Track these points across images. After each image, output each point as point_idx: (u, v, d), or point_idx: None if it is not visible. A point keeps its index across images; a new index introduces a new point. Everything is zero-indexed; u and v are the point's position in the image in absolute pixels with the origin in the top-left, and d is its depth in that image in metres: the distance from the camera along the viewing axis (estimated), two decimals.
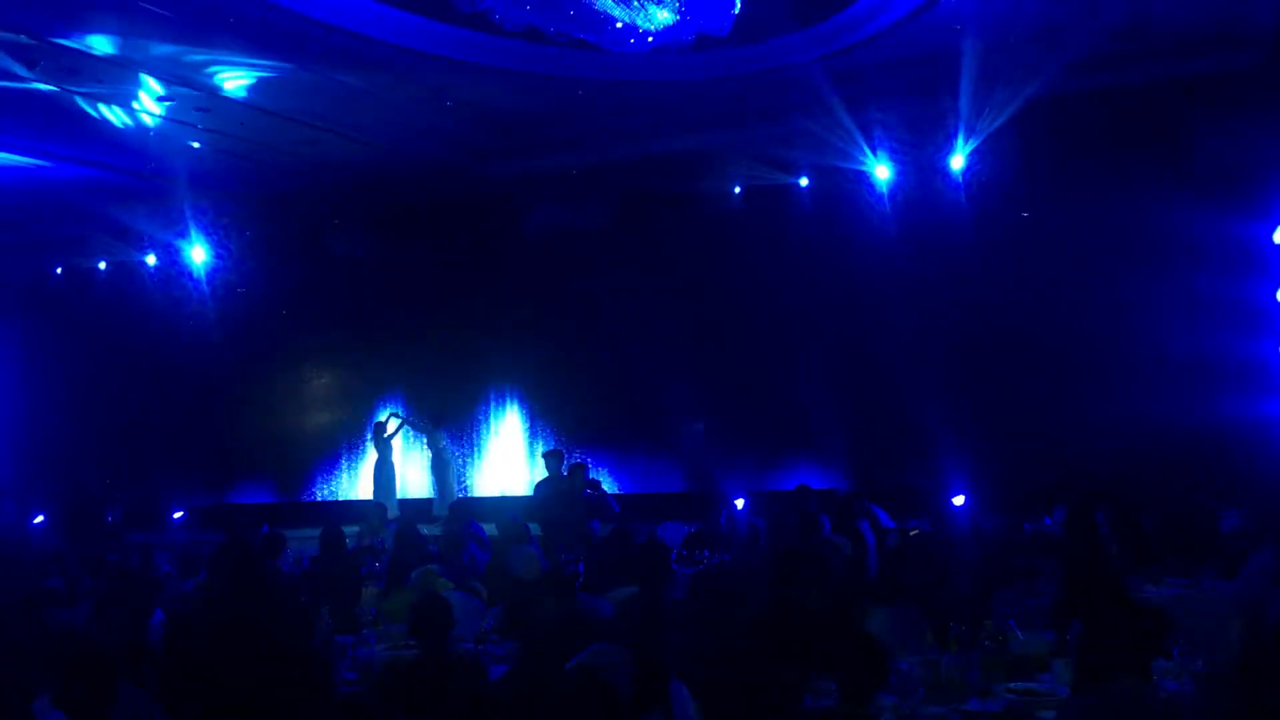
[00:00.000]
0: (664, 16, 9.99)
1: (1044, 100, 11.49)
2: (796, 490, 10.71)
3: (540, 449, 14.99)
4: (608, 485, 13.29)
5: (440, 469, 15.17)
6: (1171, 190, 12.11)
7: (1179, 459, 11.33)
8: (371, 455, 15.55)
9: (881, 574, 8.65)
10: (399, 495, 15.01)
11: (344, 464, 16.89)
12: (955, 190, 13.07)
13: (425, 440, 15.48)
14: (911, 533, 9.50)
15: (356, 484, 16.47)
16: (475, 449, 16.26)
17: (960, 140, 12.66)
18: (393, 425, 15.51)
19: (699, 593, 6.14)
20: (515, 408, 16.16)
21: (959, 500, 11.63)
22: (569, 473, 11.77)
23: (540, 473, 12.52)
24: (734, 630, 5.20)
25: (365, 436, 16.21)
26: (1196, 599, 6.11)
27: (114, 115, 12.21)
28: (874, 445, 13.36)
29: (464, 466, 16.14)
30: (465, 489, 15.56)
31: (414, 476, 15.90)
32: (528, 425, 16.08)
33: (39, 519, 14.73)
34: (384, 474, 15.12)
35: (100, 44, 10.40)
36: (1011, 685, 5.12)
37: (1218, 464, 11.08)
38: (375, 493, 14.73)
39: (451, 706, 4.76)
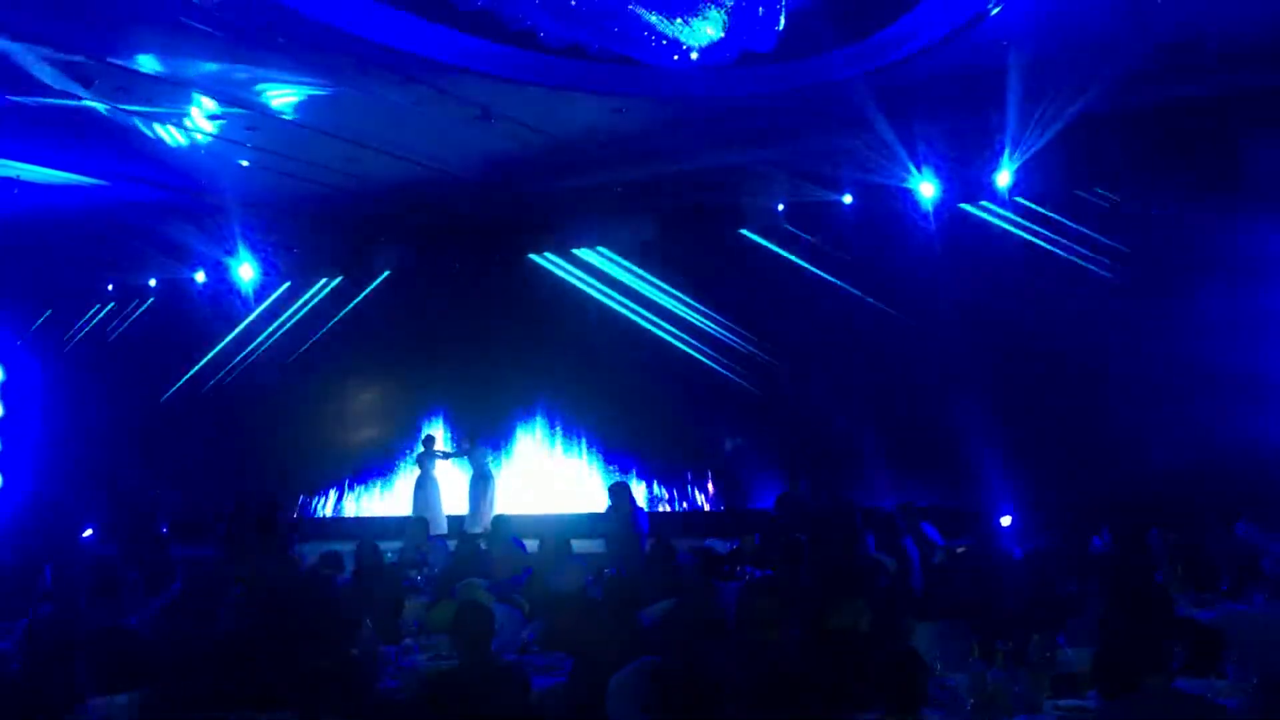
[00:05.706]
0: (708, 33, 9.99)
1: (1092, 116, 11.38)
2: (840, 506, 10.65)
3: (580, 465, 15.02)
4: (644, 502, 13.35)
5: (478, 486, 15.10)
6: (1222, 206, 11.96)
7: (1229, 478, 11.13)
8: (414, 471, 15.63)
9: (927, 591, 8.56)
10: (443, 512, 15.04)
11: (387, 479, 16.95)
12: (1002, 207, 12.99)
13: (467, 457, 15.45)
14: (958, 550, 9.40)
15: (398, 500, 16.51)
16: (514, 464, 16.26)
17: (1006, 157, 12.57)
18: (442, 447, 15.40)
19: (743, 607, 6.09)
20: (559, 423, 16.16)
21: (1006, 520, 11.51)
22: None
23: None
24: (778, 645, 5.16)
25: (408, 452, 16.30)
26: (1245, 619, 6.00)
27: (166, 134, 12.41)
28: (920, 464, 13.25)
29: (506, 483, 16.14)
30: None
31: (456, 493, 15.90)
32: (570, 442, 16.06)
33: (88, 532, 14.95)
34: (427, 490, 15.16)
35: (151, 63, 10.58)
36: (1059, 702, 5.06)
37: (1269, 484, 10.89)
38: (417, 508, 14.75)
39: (491, 716, 4.76)
